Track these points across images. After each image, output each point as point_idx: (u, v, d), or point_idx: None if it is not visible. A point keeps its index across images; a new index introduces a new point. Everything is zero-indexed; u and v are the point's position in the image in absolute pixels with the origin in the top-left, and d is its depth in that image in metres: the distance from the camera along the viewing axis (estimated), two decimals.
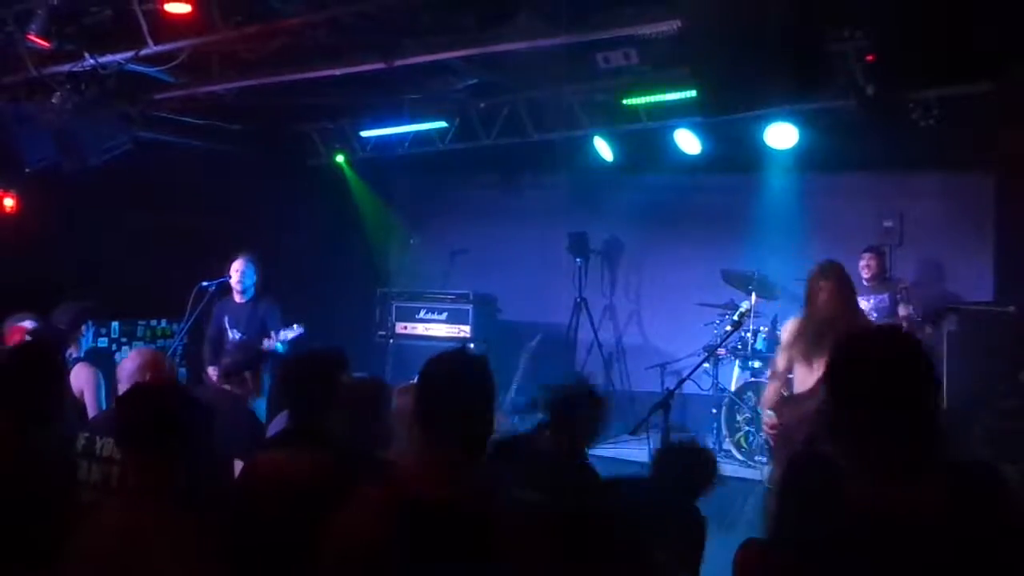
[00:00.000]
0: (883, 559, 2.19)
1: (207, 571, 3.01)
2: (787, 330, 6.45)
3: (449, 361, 3.08)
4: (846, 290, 6.20)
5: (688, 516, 4.25)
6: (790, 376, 6.36)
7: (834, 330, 5.70)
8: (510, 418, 9.44)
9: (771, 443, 6.48)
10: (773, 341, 9.61)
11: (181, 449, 3.28)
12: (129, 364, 5.22)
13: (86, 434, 4.63)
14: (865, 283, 9.60)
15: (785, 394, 6.37)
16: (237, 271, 8.58)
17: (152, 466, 3.21)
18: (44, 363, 4.27)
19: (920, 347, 2.47)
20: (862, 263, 9.64)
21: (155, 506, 3.13)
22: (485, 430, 3.05)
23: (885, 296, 9.56)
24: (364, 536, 2.80)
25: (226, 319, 8.70)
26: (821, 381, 5.81)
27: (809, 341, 6.09)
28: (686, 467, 4.53)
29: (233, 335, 8.62)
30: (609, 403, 5.02)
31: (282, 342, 8.16)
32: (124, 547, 3.01)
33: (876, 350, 2.45)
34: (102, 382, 6.41)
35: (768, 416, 6.26)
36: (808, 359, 6.10)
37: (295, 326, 8.24)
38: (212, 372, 8.44)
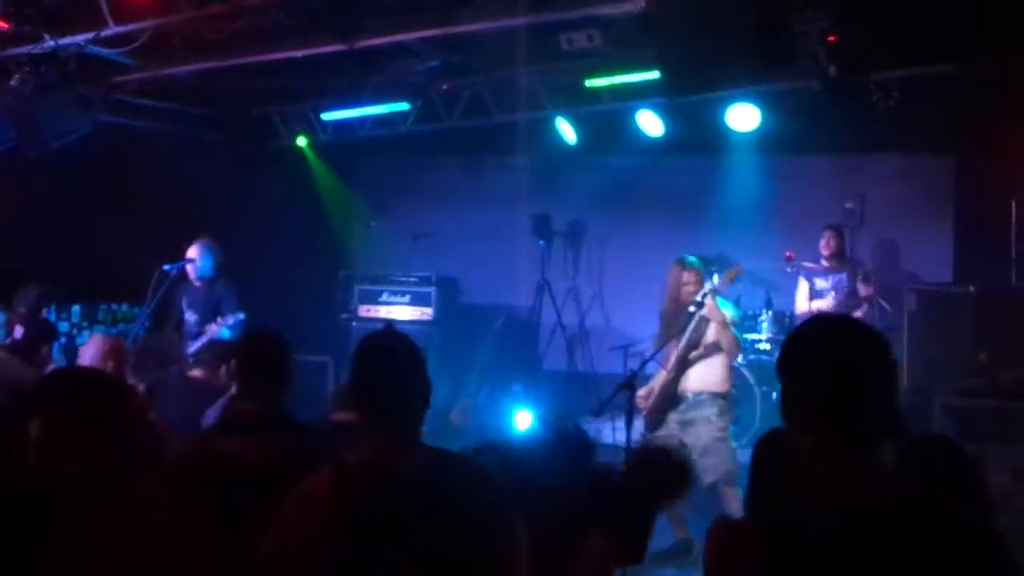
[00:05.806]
0: (841, 533, 2.20)
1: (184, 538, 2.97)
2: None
3: (376, 339, 3.16)
4: (704, 281, 7.45)
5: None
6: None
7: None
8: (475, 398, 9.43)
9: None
10: (735, 320, 9.68)
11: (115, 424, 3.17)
12: (91, 350, 5.20)
13: None
14: (824, 261, 9.74)
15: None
16: (192, 257, 8.58)
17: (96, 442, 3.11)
18: None
19: (871, 329, 2.51)
20: (822, 241, 9.82)
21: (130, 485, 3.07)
22: (421, 399, 3.09)
23: (844, 275, 9.71)
24: (305, 519, 2.81)
25: (184, 301, 8.72)
26: (677, 359, 7.40)
27: (673, 325, 7.49)
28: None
29: (189, 317, 8.65)
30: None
31: (227, 327, 8.16)
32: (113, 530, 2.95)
33: (829, 329, 2.49)
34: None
35: (644, 389, 7.64)
36: (675, 341, 7.46)
37: (237, 313, 8.30)
38: None
